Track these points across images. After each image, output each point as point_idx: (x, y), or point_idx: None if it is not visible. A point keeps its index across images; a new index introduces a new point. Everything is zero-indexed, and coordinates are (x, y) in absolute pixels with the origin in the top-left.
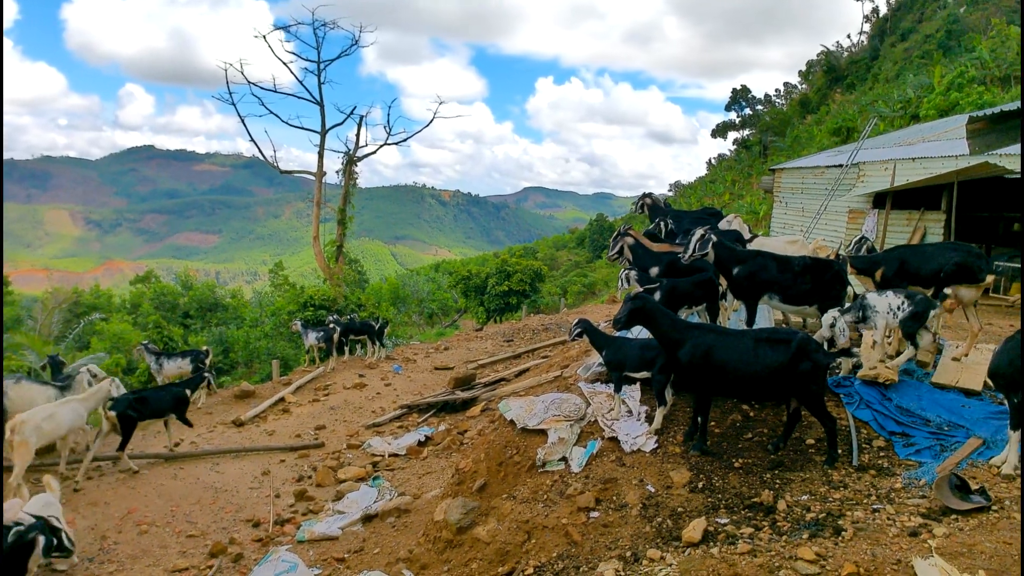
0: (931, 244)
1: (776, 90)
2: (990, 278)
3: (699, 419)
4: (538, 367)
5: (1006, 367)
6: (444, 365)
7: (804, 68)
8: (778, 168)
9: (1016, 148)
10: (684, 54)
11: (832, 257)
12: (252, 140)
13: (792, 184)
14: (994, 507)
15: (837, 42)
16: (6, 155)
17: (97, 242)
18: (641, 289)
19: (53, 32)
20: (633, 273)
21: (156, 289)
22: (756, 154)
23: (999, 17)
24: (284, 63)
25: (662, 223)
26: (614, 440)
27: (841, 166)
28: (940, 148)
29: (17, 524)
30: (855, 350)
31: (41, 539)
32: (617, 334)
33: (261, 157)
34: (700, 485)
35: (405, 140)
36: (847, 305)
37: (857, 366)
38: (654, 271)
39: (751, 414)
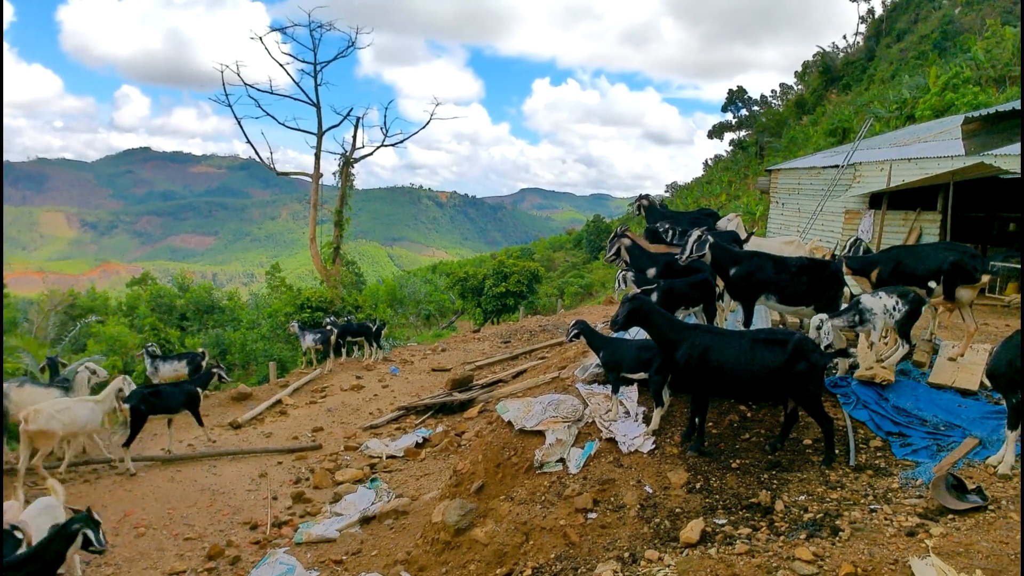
0: (927, 244)
1: (772, 91)
2: (986, 278)
3: (696, 420)
4: (535, 368)
5: (1004, 367)
6: (441, 367)
7: (800, 69)
8: (774, 169)
9: (1011, 148)
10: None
11: (828, 258)
12: (248, 142)
13: (788, 185)
14: (991, 507)
15: (833, 43)
16: None
17: (93, 244)
18: (638, 290)
19: (49, 34)
20: (630, 274)
21: (152, 291)
22: (752, 155)
23: (994, 18)
24: (280, 65)
25: (669, 228)
26: (612, 441)
27: (837, 167)
28: (936, 148)
29: (14, 527)
30: (851, 350)
31: (86, 532)
32: (614, 335)
33: (257, 159)
34: (698, 486)
35: (402, 142)
36: (842, 309)
37: (854, 366)
38: (651, 272)
39: (748, 415)
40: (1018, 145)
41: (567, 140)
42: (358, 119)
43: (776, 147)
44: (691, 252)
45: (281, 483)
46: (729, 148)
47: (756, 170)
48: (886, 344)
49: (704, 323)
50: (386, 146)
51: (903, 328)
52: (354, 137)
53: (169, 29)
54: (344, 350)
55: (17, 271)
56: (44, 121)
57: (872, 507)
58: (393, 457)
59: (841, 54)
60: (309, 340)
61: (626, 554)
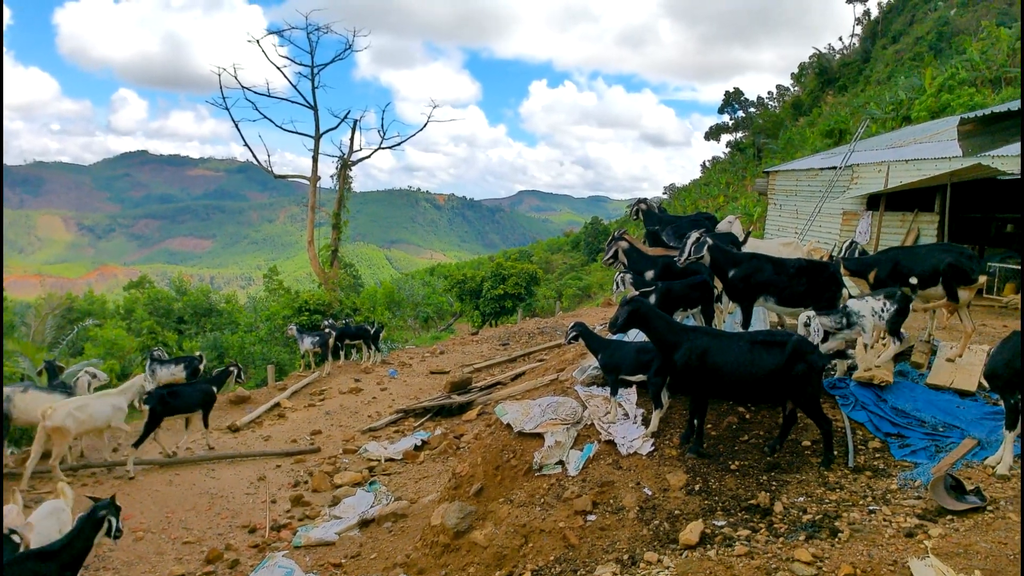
0: (924, 245)
1: (769, 92)
2: (983, 279)
3: (695, 422)
4: (534, 371)
5: (1003, 368)
6: (440, 369)
7: (796, 70)
8: (772, 170)
9: (1008, 149)
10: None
11: (826, 259)
12: (246, 145)
13: (786, 186)
14: (989, 507)
15: (829, 44)
16: None
17: (90, 247)
18: (637, 292)
19: (46, 37)
20: (628, 276)
21: (150, 294)
22: (750, 156)
23: (989, 19)
24: (278, 68)
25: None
26: (611, 443)
27: (835, 168)
28: (933, 150)
29: (12, 531)
30: (850, 352)
31: (112, 520)
32: (613, 337)
33: (255, 162)
34: (697, 488)
35: (399, 144)
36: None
37: (852, 368)
38: (649, 274)
39: (747, 416)
40: (1015, 146)
41: (564, 142)
42: (355, 122)
43: (773, 148)
44: (689, 254)
45: (280, 486)
46: (726, 150)
47: (754, 172)
48: (884, 346)
49: (702, 325)
50: (384, 148)
51: (893, 326)
52: (351, 140)
53: (166, 32)
54: (342, 353)
55: (14, 274)
56: (41, 124)
57: (871, 508)
58: (392, 460)
59: (837, 56)
60: (307, 343)
61: (625, 556)
